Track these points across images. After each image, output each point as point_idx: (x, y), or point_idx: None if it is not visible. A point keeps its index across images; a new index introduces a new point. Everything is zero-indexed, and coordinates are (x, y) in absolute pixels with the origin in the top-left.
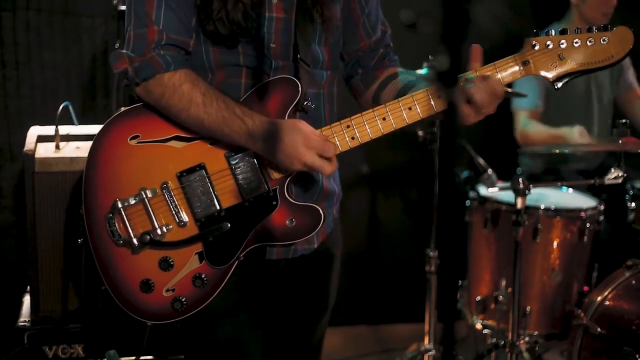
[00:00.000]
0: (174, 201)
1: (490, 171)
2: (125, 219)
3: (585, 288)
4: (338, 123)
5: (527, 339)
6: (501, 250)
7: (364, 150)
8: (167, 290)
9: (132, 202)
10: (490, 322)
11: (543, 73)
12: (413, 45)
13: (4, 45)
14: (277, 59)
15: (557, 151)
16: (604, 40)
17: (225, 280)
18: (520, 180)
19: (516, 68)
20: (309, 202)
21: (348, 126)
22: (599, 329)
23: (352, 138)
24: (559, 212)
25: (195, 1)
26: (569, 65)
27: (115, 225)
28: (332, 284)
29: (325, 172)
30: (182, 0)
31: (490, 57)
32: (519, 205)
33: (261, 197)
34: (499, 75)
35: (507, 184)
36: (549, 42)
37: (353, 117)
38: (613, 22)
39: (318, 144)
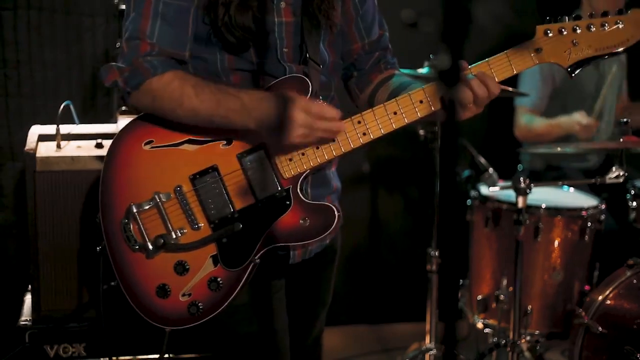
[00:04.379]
0: (187, 204)
1: (491, 170)
2: (140, 223)
3: (587, 287)
4: (349, 119)
5: (528, 338)
6: (502, 250)
7: (365, 148)
8: (184, 295)
9: (146, 207)
10: (491, 322)
11: (556, 60)
12: (414, 44)
13: (5, 44)
14: (290, 63)
15: (559, 149)
16: (618, 23)
17: (242, 284)
18: (522, 179)
19: (529, 55)
20: (321, 201)
21: (359, 122)
22: (600, 328)
23: (364, 134)
24: (560, 211)
25: (201, 10)
26: (584, 51)
27: (130, 231)
28: (332, 278)
29: (332, 132)
30: (178, 13)
31: (493, 54)
32: (520, 204)
33: (274, 197)
34: (510, 62)
35: (508, 183)
36: (562, 28)
37: (363, 112)
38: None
39: (316, 107)
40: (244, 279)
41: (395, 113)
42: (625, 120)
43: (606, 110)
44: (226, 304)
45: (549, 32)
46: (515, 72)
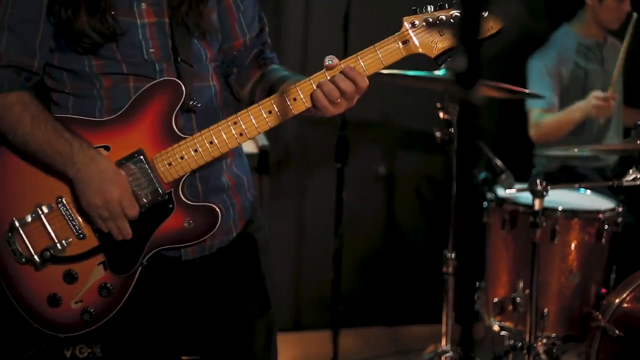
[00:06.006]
0: (70, 214)
1: (508, 172)
2: (25, 237)
3: (603, 290)
4: (225, 120)
5: (544, 340)
6: (519, 252)
7: (381, 151)
8: (76, 303)
9: (29, 219)
10: (507, 324)
11: (424, 51)
12: None
13: None
14: (159, 61)
15: (576, 150)
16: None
17: (132, 287)
18: (538, 181)
19: (396, 46)
20: (212, 199)
21: (235, 122)
22: (617, 332)
23: (240, 134)
24: (576, 213)
25: (52, 15)
26: (450, 41)
27: (16, 245)
28: (265, 271)
29: (116, 237)
30: (24, 24)
31: (506, 55)
32: (537, 206)
33: (157, 202)
34: (379, 55)
35: (525, 185)
36: (428, 19)
37: (239, 113)
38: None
39: (130, 207)
40: (134, 282)
41: (270, 112)
42: None
43: (615, 111)
44: (119, 307)
45: (415, 22)
46: (384, 65)
